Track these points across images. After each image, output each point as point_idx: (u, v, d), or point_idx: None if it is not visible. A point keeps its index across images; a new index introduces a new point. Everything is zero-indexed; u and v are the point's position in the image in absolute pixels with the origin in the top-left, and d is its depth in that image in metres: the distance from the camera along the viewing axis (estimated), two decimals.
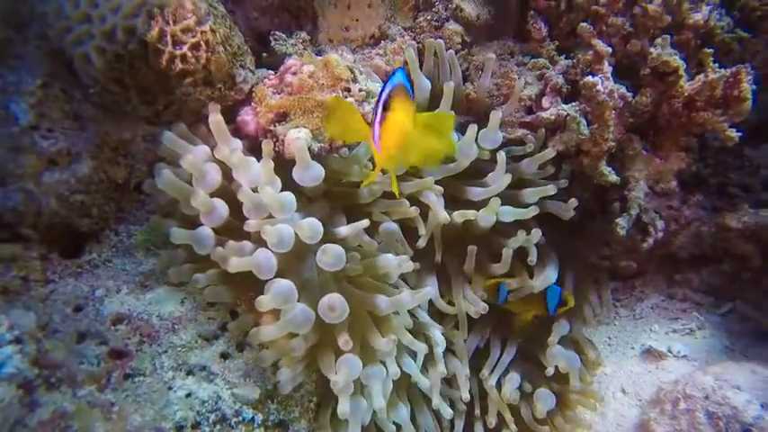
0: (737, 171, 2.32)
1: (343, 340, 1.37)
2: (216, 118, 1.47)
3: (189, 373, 1.36)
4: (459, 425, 1.89)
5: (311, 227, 1.41)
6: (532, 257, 1.81)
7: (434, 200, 1.71)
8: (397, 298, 1.49)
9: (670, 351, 2.00)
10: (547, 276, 1.85)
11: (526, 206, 1.82)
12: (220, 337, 1.44)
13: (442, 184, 1.76)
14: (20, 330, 1.08)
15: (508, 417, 1.84)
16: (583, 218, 2.09)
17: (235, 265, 1.33)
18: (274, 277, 1.40)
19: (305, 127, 1.50)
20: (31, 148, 1.34)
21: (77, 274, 1.43)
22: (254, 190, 1.43)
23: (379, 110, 1.05)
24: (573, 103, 1.86)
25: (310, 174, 1.46)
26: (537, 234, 1.78)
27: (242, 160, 1.44)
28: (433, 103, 1.85)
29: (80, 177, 1.40)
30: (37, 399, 1.12)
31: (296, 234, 1.41)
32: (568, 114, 1.83)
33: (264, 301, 1.33)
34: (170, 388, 1.32)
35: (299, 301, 1.40)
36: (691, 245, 2.23)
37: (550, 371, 1.84)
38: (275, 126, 1.53)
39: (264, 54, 1.88)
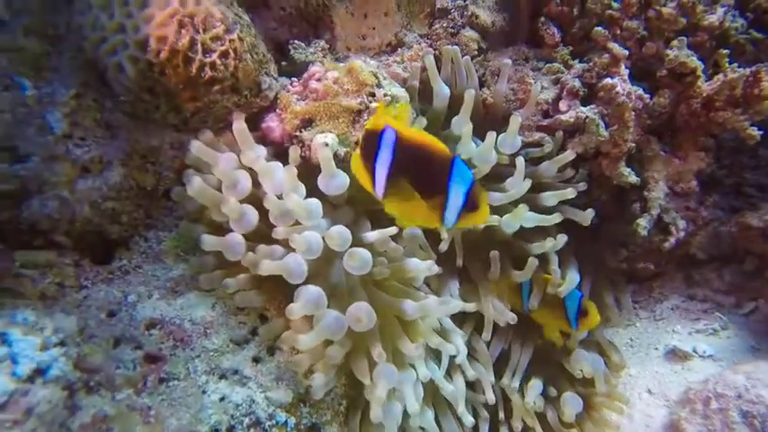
0: (753, 171, 2.33)
1: (377, 353, 1.38)
2: (240, 126, 1.49)
3: (222, 377, 1.36)
4: (485, 429, 1.88)
5: (340, 235, 1.42)
6: (554, 266, 1.81)
7: None
8: (424, 303, 1.50)
9: (695, 351, 1.99)
10: (570, 280, 1.84)
11: (545, 209, 1.83)
12: (251, 342, 1.44)
13: None
14: (63, 334, 1.09)
15: (531, 422, 1.83)
16: (601, 220, 2.10)
17: (266, 268, 1.34)
18: (304, 282, 1.41)
19: (331, 132, 1.52)
20: (65, 156, 1.36)
21: (109, 280, 1.44)
22: (280, 197, 1.45)
23: (460, 200, 1.19)
24: (591, 106, 1.88)
25: (335, 183, 1.47)
26: (562, 240, 1.78)
27: (265, 168, 1.46)
28: (451, 109, 1.87)
29: (111, 185, 1.42)
30: (78, 402, 1.13)
31: (324, 240, 1.43)
32: (587, 117, 1.85)
33: (295, 309, 1.34)
34: (204, 392, 1.32)
35: (328, 307, 1.41)
36: (709, 245, 2.24)
37: (578, 375, 1.83)
38: (301, 132, 1.55)
39: (284, 63, 1.91)
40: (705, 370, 1.90)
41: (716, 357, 1.97)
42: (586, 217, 1.87)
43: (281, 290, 1.48)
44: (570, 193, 1.84)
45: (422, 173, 1.20)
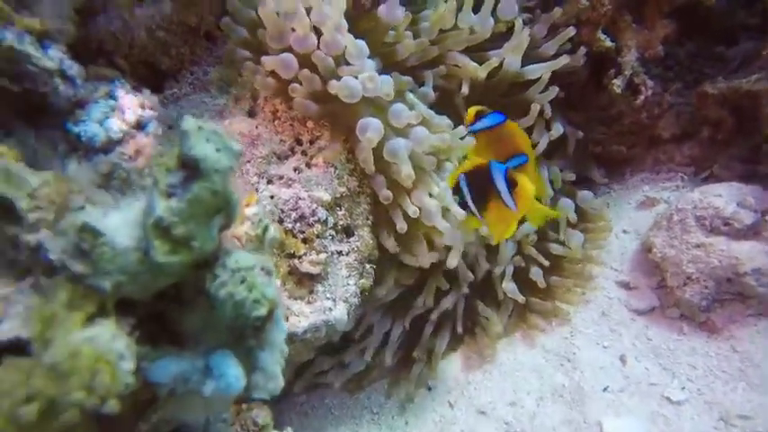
0: (709, 68, 2.65)
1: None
2: None
3: (269, 181, 1.58)
4: None
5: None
6: (548, 111, 2.07)
7: (463, 58, 1.91)
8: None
9: (662, 199, 2.31)
10: (557, 129, 2.11)
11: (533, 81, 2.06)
12: (291, 157, 1.65)
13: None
14: (152, 104, 1.27)
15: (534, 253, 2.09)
16: (579, 98, 2.38)
17: (332, 85, 1.54)
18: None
19: None
20: None
21: (163, 104, 1.62)
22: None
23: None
24: None
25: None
26: (554, 91, 2.04)
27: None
28: None
29: (163, 15, 1.58)
30: None
31: None
32: None
33: (372, 138, 1.55)
34: (257, 190, 1.53)
35: None
36: (672, 125, 2.55)
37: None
38: None
39: None
40: None
41: None
42: (578, 58, 2.10)
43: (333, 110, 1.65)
44: (564, 59, 2.07)
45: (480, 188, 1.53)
